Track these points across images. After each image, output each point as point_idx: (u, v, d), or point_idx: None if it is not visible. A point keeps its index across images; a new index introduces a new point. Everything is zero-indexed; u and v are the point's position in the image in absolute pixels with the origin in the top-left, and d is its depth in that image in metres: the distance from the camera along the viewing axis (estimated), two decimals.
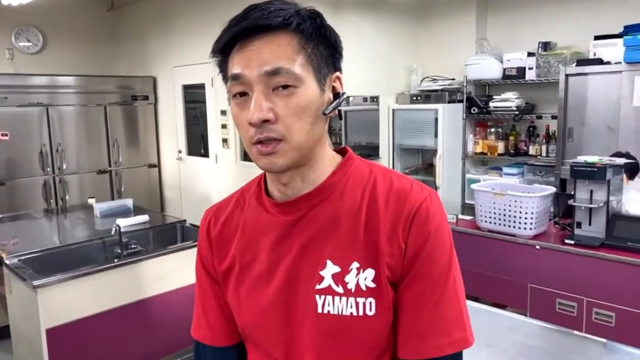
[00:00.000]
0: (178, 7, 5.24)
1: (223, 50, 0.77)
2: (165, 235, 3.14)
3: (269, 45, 0.73)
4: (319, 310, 0.78)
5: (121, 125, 5.60)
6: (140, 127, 5.77)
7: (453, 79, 4.48)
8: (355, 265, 0.77)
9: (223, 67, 0.78)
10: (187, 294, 2.61)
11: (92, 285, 2.38)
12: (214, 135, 5.16)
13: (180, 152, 5.66)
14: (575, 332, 1.66)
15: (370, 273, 0.77)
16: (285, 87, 0.73)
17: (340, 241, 0.78)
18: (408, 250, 0.76)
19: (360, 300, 0.76)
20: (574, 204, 2.49)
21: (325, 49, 0.77)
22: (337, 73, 0.80)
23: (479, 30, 4.51)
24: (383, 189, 0.80)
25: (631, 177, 2.81)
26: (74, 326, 2.31)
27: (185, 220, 3.28)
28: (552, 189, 2.73)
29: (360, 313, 0.76)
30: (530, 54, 4.03)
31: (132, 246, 2.83)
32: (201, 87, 5.19)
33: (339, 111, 0.81)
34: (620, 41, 3.41)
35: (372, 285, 0.76)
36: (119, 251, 2.71)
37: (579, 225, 2.51)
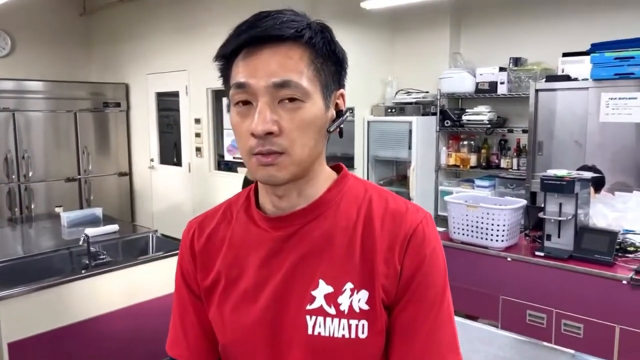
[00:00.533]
0: (153, 13, 5.18)
1: (228, 56, 0.75)
2: (135, 246, 3.07)
3: (278, 56, 0.71)
4: (310, 332, 0.75)
5: (92, 132, 5.48)
6: (112, 134, 5.66)
7: (427, 92, 4.55)
8: (349, 285, 0.75)
9: (226, 72, 0.76)
10: (159, 306, 2.55)
11: (57, 297, 2.30)
12: (187, 144, 5.10)
13: (152, 160, 5.56)
14: (545, 343, 1.69)
15: (364, 294, 0.75)
16: (291, 100, 0.71)
17: (334, 260, 0.76)
18: (404, 273, 0.75)
19: (353, 322, 0.74)
20: (544, 216, 2.54)
21: (332, 65, 0.76)
22: (342, 90, 0.80)
23: (453, 44, 4.60)
24: (379, 208, 0.79)
25: (597, 190, 2.89)
26: (38, 340, 2.22)
27: (156, 230, 3.22)
28: (523, 202, 2.78)
29: (353, 335, 0.74)
30: (502, 69, 4.13)
31: (101, 257, 2.75)
32: (175, 94, 5.13)
33: (340, 128, 0.81)
34: (587, 58, 3.52)
35: (366, 307, 0.75)
36: (87, 262, 2.63)
37: (548, 237, 2.56)
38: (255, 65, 0.71)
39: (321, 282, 0.76)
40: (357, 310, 0.74)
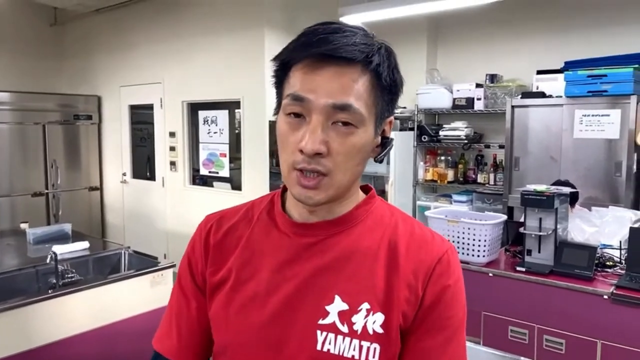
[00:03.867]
0: (127, 25, 5.08)
1: (287, 62, 0.72)
2: (106, 263, 2.94)
3: (343, 78, 0.68)
4: (319, 347, 0.72)
5: (61, 145, 5.31)
6: (82, 147, 5.50)
7: (404, 108, 4.57)
8: (365, 306, 0.72)
9: (281, 76, 0.74)
10: (132, 327, 2.44)
11: (22, 319, 2.17)
12: (161, 158, 4.98)
13: (124, 174, 5.41)
14: (522, 359, 1.67)
15: (379, 317, 0.72)
16: (345, 123, 0.69)
17: (353, 278, 0.74)
18: (425, 300, 0.73)
19: (365, 344, 0.71)
20: (524, 231, 2.54)
21: (389, 94, 0.74)
22: (391, 117, 0.78)
23: (430, 61, 4.65)
24: (405, 233, 0.77)
25: (572, 204, 2.91)
26: None
27: (129, 247, 3.09)
28: (504, 217, 2.78)
29: (363, 358, 0.71)
30: (478, 85, 4.18)
31: (69, 275, 2.61)
32: (149, 107, 5.03)
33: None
34: (561, 76, 3.60)
35: (380, 330, 0.72)
36: (54, 281, 2.49)
37: (529, 252, 2.56)
38: (317, 82, 0.68)
39: (337, 298, 0.73)
40: (371, 332, 0.71)
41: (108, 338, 2.41)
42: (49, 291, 2.35)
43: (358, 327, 0.71)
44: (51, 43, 5.82)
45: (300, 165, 0.70)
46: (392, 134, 3.18)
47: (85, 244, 2.95)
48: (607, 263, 2.51)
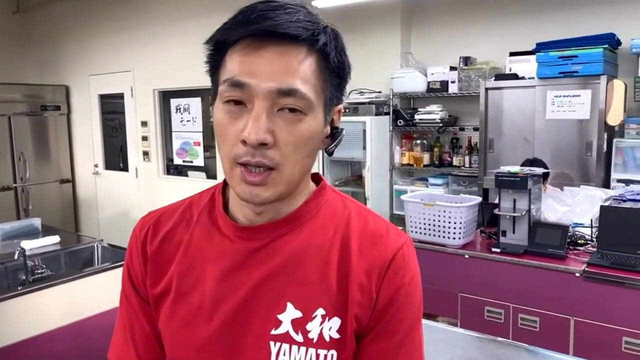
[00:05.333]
0: (94, 12, 4.92)
1: (222, 42, 0.65)
2: (79, 257, 2.88)
3: (287, 59, 0.62)
4: (273, 359, 0.68)
5: (29, 137, 5.15)
6: (51, 139, 5.34)
7: (380, 92, 4.55)
8: (320, 311, 0.68)
9: (216, 60, 0.66)
10: (106, 321, 2.38)
11: None
12: (133, 148, 4.88)
13: (96, 166, 5.29)
14: (500, 339, 1.70)
15: (336, 322, 0.68)
16: (292, 110, 0.63)
17: (306, 282, 0.69)
18: (379, 302, 0.69)
19: (322, 352, 0.67)
20: (499, 213, 2.57)
21: (338, 78, 0.68)
22: (340, 106, 0.72)
23: (404, 44, 4.63)
24: (357, 228, 0.72)
25: (544, 180, 2.94)
26: None
27: (102, 240, 3.03)
28: (479, 199, 2.80)
29: None
30: (452, 68, 4.18)
31: (40, 271, 2.55)
32: (120, 96, 4.91)
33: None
34: (533, 57, 3.62)
35: (337, 336, 0.68)
36: (24, 277, 2.43)
37: (504, 233, 2.59)
38: (258, 64, 0.62)
39: (289, 306, 0.68)
40: (328, 339, 0.68)
41: (82, 333, 2.36)
42: (19, 288, 2.29)
43: (314, 335, 0.67)
44: (15, 31, 5.61)
45: (243, 158, 0.63)
46: (367, 119, 3.14)
47: (55, 239, 2.88)
48: (579, 241, 2.56)
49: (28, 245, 2.57)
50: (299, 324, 0.68)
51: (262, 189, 0.64)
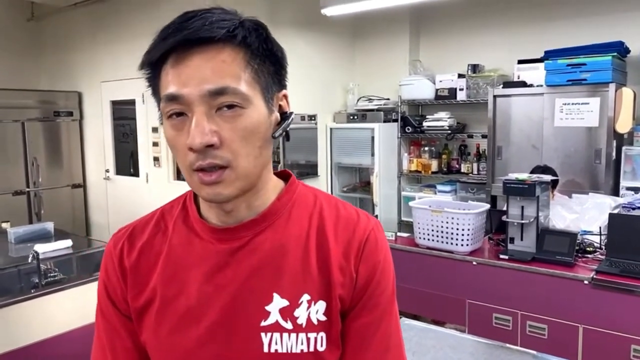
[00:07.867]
0: (106, 18, 5.00)
1: (155, 63, 0.68)
2: (91, 261, 2.91)
3: (212, 61, 0.65)
4: (265, 350, 0.71)
5: (42, 142, 5.21)
6: (64, 144, 5.41)
7: (388, 99, 4.58)
8: (305, 297, 0.72)
9: (154, 81, 0.70)
10: None
11: (4, 319, 2.14)
12: (144, 154, 4.93)
13: (107, 171, 5.35)
14: (509, 345, 1.70)
15: (321, 305, 0.72)
16: (230, 107, 0.65)
17: (289, 272, 0.72)
18: (359, 280, 0.74)
19: (312, 335, 0.71)
20: (507, 219, 2.57)
21: (271, 65, 0.70)
22: (284, 91, 0.74)
23: (412, 51, 4.66)
24: (330, 216, 0.77)
25: (553, 187, 2.95)
26: None
27: None
28: (487, 206, 2.81)
29: (312, 349, 0.71)
30: (460, 76, 4.20)
31: (53, 274, 2.59)
32: (131, 103, 4.96)
33: (287, 132, 0.75)
34: (541, 65, 3.63)
35: (324, 318, 0.72)
36: (37, 280, 2.47)
37: (511, 240, 2.59)
38: (187, 74, 0.65)
39: (275, 296, 0.71)
40: (315, 322, 0.72)
41: (93, 337, 2.39)
42: (32, 291, 2.32)
43: (302, 320, 0.71)
44: (28, 38, 5.70)
45: (196, 164, 0.65)
46: (375, 126, 3.17)
47: (68, 243, 2.92)
48: (588, 249, 2.56)
49: (42, 249, 2.61)
50: (287, 312, 0.71)
51: (222, 186, 0.67)
